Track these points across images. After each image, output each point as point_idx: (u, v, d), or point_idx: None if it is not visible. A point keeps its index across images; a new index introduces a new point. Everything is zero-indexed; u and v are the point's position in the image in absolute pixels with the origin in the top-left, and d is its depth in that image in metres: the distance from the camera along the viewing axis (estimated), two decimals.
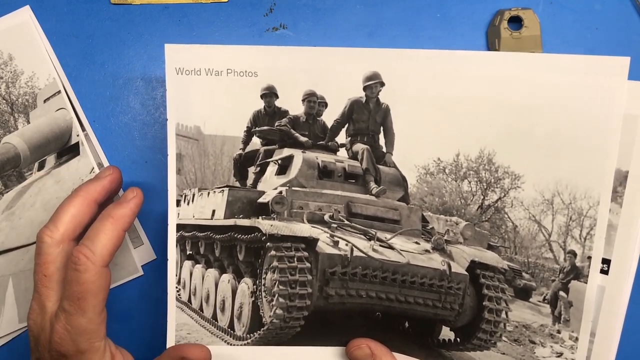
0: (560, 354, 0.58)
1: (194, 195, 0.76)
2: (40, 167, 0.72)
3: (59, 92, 0.70)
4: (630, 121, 0.55)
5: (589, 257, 0.56)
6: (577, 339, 0.57)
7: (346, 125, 0.70)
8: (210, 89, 0.62)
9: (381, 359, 0.60)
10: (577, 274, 0.57)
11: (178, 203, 0.62)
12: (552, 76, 0.56)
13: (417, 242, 0.70)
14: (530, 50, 0.65)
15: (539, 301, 0.61)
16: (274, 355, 0.64)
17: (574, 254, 0.57)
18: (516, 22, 0.66)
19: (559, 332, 0.59)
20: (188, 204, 0.75)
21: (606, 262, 0.56)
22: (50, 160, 0.72)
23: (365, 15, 0.69)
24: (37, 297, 0.56)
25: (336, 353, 0.64)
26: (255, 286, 0.71)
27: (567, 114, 0.56)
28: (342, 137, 0.72)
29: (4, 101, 0.71)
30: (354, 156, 0.73)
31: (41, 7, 0.71)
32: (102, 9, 0.71)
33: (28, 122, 0.72)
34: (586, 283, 0.56)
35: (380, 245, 0.68)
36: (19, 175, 0.72)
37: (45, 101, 0.71)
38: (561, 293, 0.59)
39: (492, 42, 0.66)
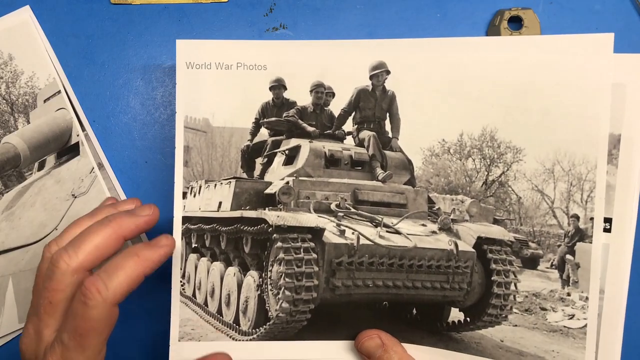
0: (572, 316, 0.61)
1: (200, 187, 0.75)
2: (40, 167, 0.70)
3: (59, 92, 0.70)
4: (619, 89, 0.60)
5: (592, 218, 0.60)
6: (587, 298, 0.59)
7: (353, 114, 0.72)
8: (220, 82, 0.63)
9: (392, 348, 0.60)
10: (582, 235, 0.60)
11: (184, 195, 0.62)
12: (545, 55, 0.61)
13: (423, 224, 0.72)
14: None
15: (547, 268, 0.64)
16: (280, 350, 0.64)
17: (577, 217, 0.61)
18: (516, 22, 0.67)
19: (569, 294, 0.62)
20: (194, 196, 0.74)
21: (608, 220, 0.60)
22: (50, 160, 0.71)
23: (365, 15, 0.71)
24: (36, 321, 0.51)
25: (343, 347, 0.64)
26: (261, 279, 0.70)
27: (562, 88, 0.61)
28: (349, 126, 0.74)
29: (4, 101, 0.70)
30: (360, 143, 0.75)
31: (41, 7, 0.72)
32: (102, 9, 0.72)
33: (28, 122, 0.71)
34: (591, 243, 0.60)
35: (387, 231, 0.69)
36: (19, 175, 0.70)
37: (45, 101, 0.70)
38: (568, 256, 0.62)
39: None
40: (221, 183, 0.74)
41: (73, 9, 0.72)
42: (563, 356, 0.58)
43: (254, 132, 0.72)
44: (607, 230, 0.60)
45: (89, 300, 0.48)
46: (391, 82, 0.65)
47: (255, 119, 0.70)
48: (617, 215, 0.60)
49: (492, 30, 0.69)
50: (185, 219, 0.62)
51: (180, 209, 0.61)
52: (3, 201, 0.70)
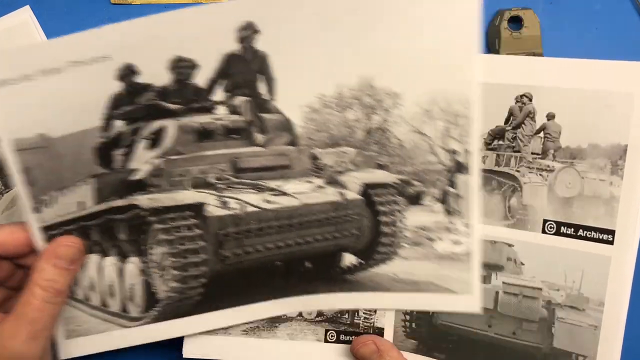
0: (457, 242, 0.67)
1: (52, 196, 0.64)
2: None
3: None
4: (627, 99, 0.61)
5: (467, 150, 0.63)
6: (468, 224, 0.65)
7: (223, 81, 0.65)
8: (50, 89, 0.57)
9: (387, 353, 0.63)
10: (461, 168, 0.65)
11: (38, 209, 0.60)
12: None
13: (309, 181, 0.70)
14: (530, 50, 0.66)
15: (430, 201, 0.68)
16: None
17: (455, 152, 0.65)
18: (516, 22, 0.67)
19: (452, 223, 0.67)
20: (47, 206, 0.64)
21: (611, 232, 0.63)
22: None
23: None
24: None
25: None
26: (143, 264, 0.66)
27: (429, 27, 0.60)
28: (221, 95, 0.67)
29: None
30: (234, 111, 0.68)
31: (41, 7, 0.72)
32: (102, 9, 0.73)
33: None
34: (469, 175, 0.64)
35: (273, 195, 0.68)
36: None
37: None
38: (450, 189, 0.67)
39: (492, 42, 0.67)
40: (76, 185, 0.65)
41: (73, 9, 0.73)
42: (453, 279, 0.65)
43: (106, 126, 0.63)
44: (609, 242, 0.63)
45: None
46: (262, 42, 0.60)
47: (106, 113, 0.62)
48: (620, 227, 0.62)
49: (492, 30, 0.68)
50: (47, 228, 0.61)
51: (36, 225, 0.60)
52: (3, 201, 0.71)
